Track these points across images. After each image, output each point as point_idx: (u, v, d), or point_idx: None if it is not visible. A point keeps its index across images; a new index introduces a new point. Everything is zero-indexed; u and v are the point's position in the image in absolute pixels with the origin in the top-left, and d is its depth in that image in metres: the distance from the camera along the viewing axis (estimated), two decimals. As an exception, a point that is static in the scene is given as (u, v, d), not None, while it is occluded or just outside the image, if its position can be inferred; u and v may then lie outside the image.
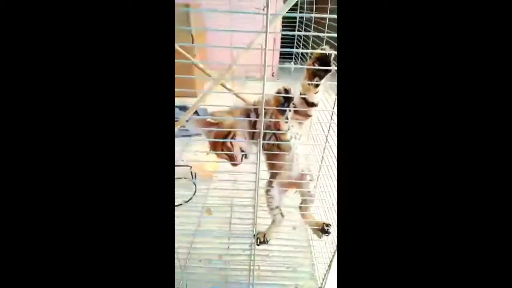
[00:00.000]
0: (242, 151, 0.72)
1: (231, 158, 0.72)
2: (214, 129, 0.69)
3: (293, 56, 1.36)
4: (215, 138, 0.70)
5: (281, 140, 0.68)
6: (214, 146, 0.73)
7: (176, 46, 0.66)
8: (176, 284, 0.86)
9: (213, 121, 0.68)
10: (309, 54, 0.63)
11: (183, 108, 1.96)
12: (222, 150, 0.71)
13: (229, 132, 0.69)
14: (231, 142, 0.69)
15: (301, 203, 0.87)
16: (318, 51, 0.56)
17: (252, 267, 0.84)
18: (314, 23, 0.85)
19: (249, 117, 0.70)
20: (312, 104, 0.67)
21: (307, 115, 0.71)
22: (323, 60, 0.56)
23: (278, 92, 0.60)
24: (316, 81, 0.60)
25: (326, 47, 0.56)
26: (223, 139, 0.68)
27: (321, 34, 0.55)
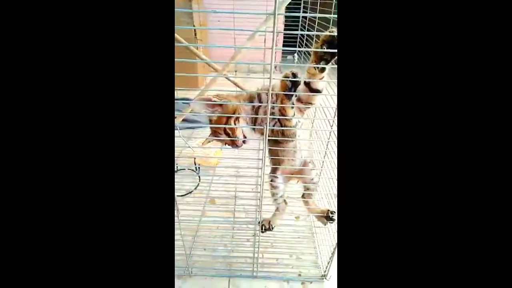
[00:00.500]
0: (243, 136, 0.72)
1: (232, 141, 0.71)
2: (217, 114, 0.69)
3: (297, 43, 1.35)
4: (217, 121, 0.69)
5: (286, 126, 0.67)
6: (215, 130, 0.73)
7: (176, 35, 0.66)
8: (181, 271, 0.87)
9: (218, 100, 0.67)
10: (314, 37, 0.62)
11: (186, 102, 1.95)
12: (225, 132, 0.71)
13: (233, 115, 0.68)
14: (234, 127, 0.69)
15: (304, 192, 0.87)
16: (326, 33, 0.55)
17: (256, 255, 0.84)
18: (319, 6, 0.84)
19: (253, 103, 0.70)
20: (316, 91, 0.66)
21: (309, 103, 0.70)
22: (331, 42, 0.55)
23: (286, 76, 0.59)
24: (323, 65, 0.59)
25: (334, 29, 0.55)
26: (226, 122, 0.68)
27: (327, 16, 0.54)
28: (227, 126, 0.68)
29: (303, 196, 0.88)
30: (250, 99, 0.72)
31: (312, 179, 0.84)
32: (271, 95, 0.55)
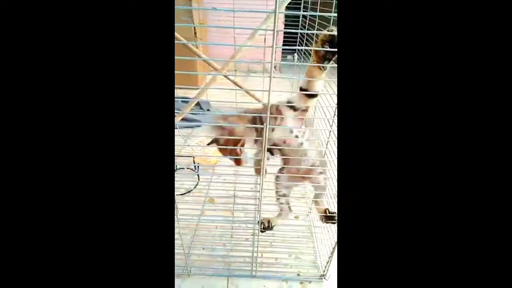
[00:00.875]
0: None
1: (237, 160, 0.73)
2: (226, 136, 0.72)
3: (297, 41, 1.34)
4: (226, 143, 0.72)
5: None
6: (222, 150, 0.75)
7: (176, 34, 0.66)
8: (180, 270, 0.87)
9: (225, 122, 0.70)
10: (314, 37, 0.62)
11: (185, 101, 1.95)
12: (230, 153, 0.73)
13: (240, 140, 0.71)
14: (240, 149, 0.71)
15: (315, 194, 0.87)
16: (326, 32, 0.55)
17: (255, 255, 0.84)
18: (320, 5, 0.83)
19: (256, 122, 0.71)
20: (313, 96, 0.66)
21: (306, 108, 0.71)
22: (331, 42, 0.55)
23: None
24: (325, 64, 0.59)
25: (334, 28, 0.55)
26: (234, 145, 0.70)
27: (326, 15, 0.54)
28: (235, 147, 0.70)
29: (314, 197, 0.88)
30: (254, 120, 0.72)
31: (320, 183, 0.84)
32: (273, 109, 0.55)
